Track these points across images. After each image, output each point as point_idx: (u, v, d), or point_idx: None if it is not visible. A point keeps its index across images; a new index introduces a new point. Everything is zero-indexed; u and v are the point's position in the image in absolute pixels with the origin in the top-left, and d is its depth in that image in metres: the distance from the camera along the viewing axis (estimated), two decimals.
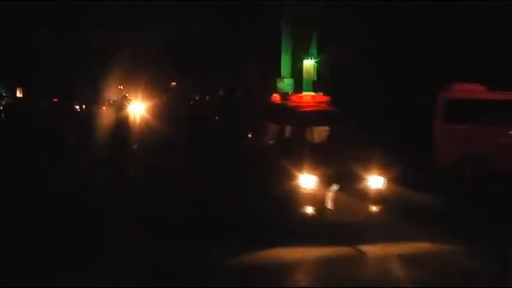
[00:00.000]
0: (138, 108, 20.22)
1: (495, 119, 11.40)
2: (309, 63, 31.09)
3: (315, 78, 30.45)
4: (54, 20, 27.68)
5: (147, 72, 28.65)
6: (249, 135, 11.48)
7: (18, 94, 31.57)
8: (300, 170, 7.77)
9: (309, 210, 7.66)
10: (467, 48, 15.37)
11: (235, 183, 10.04)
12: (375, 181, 7.94)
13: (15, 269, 6.05)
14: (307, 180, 7.71)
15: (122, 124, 13.63)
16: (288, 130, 9.38)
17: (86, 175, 11.49)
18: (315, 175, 7.68)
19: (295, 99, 10.23)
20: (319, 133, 9.37)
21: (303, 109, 9.67)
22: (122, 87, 32.24)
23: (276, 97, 11.03)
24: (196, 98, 35.64)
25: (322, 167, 7.76)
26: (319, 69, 29.83)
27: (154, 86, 29.87)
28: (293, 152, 8.37)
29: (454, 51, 15.65)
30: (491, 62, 14.46)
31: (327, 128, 9.35)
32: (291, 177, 7.86)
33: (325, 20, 23.85)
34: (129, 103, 14.81)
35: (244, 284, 5.83)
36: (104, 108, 27.57)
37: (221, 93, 34.09)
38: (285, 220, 7.75)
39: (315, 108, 9.80)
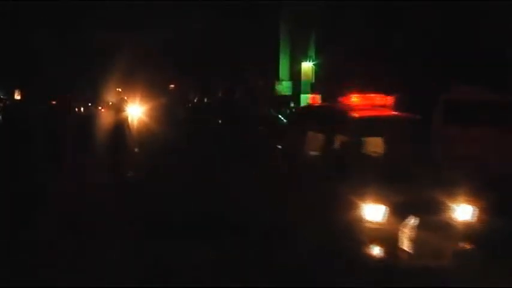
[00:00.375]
0: (137, 111, 20.20)
1: (495, 121, 11.30)
2: (307, 66, 31.15)
3: (313, 81, 30.55)
4: (54, 20, 27.69)
5: (146, 73, 28.66)
6: (279, 146, 9.28)
7: (16, 96, 31.54)
8: (363, 196, 5.96)
9: (377, 251, 5.85)
10: (467, 48, 15.38)
11: (271, 208, 7.86)
12: (463, 211, 6.10)
13: (15, 269, 6.02)
14: (373, 211, 5.91)
15: (120, 126, 13.64)
16: (339, 141, 7.20)
17: (86, 176, 11.47)
18: (384, 204, 5.89)
19: (347, 100, 7.99)
20: (384, 146, 7.23)
21: (361, 114, 7.40)
22: (120, 89, 32.22)
23: (315, 98, 9.21)
24: (195, 100, 35.65)
25: (393, 192, 5.95)
26: (317, 71, 29.87)
27: (153, 88, 29.86)
28: (350, 171, 6.47)
29: (454, 51, 15.67)
30: (491, 62, 14.47)
31: (395, 139, 7.21)
32: (350, 206, 6.03)
33: (325, 20, 23.79)
34: (126, 105, 14.82)
35: (245, 284, 5.80)
36: (102, 110, 27.57)
37: (220, 94, 34.12)
38: (345, 265, 5.83)
39: (376, 113, 7.58)
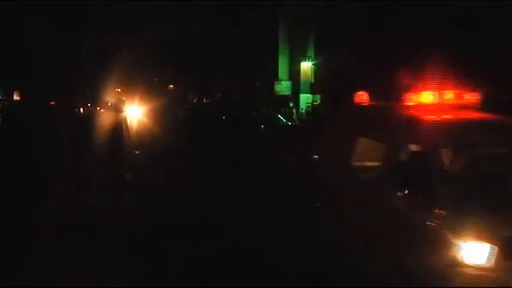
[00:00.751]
0: (136, 111, 20.22)
1: None
2: (306, 66, 31.13)
3: (312, 81, 30.56)
4: (54, 20, 27.69)
5: (145, 74, 28.69)
6: (314, 156, 7.59)
7: (16, 97, 31.52)
8: (458, 230, 4.30)
9: None
10: (466, 47, 15.34)
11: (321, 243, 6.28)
12: None
13: (15, 269, 6.01)
14: (474, 251, 4.26)
15: (118, 127, 13.67)
16: (410, 152, 5.25)
17: (85, 176, 11.45)
18: (490, 242, 4.25)
19: (413, 99, 5.90)
20: (482, 162, 5.07)
21: (441, 117, 5.56)
22: (119, 90, 32.29)
23: (364, 96, 6.83)
24: (194, 100, 35.70)
25: (502, 225, 4.33)
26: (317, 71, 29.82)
27: (153, 88, 29.89)
28: (435, 194, 4.66)
29: (453, 51, 15.62)
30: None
31: (497, 150, 5.19)
32: (439, 243, 4.38)
33: (324, 20, 23.70)
34: (124, 105, 14.88)
35: (244, 284, 5.78)
36: (101, 110, 27.57)
37: (219, 95, 34.16)
38: None
39: (464, 116, 5.59)
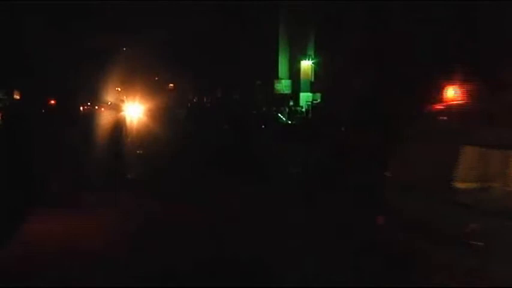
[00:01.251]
0: (136, 111, 20.18)
1: None
2: (306, 64, 31.15)
3: (313, 79, 30.59)
4: (54, 19, 27.69)
5: (145, 73, 28.67)
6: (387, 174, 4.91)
7: (16, 96, 31.52)
8: None
9: None
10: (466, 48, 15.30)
11: None
12: None
13: (15, 269, 6.02)
14: None
15: (118, 127, 13.70)
16: None
17: (85, 176, 11.48)
18: None
19: None
20: None
21: None
22: (119, 89, 32.27)
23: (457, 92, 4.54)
24: (195, 99, 35.69)
25: None
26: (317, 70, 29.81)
27: (153, 87, 29.88)
28: None
29: (453, 51, 15.60)
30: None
31: None
32: None
33: (324, 19, 23.67)
34: (123, 105, 14.91)
35: (245, 284, 5.79)
36: (101, 109, 27.58)
37: (219, 94, 34.16)
38: None
39: None
